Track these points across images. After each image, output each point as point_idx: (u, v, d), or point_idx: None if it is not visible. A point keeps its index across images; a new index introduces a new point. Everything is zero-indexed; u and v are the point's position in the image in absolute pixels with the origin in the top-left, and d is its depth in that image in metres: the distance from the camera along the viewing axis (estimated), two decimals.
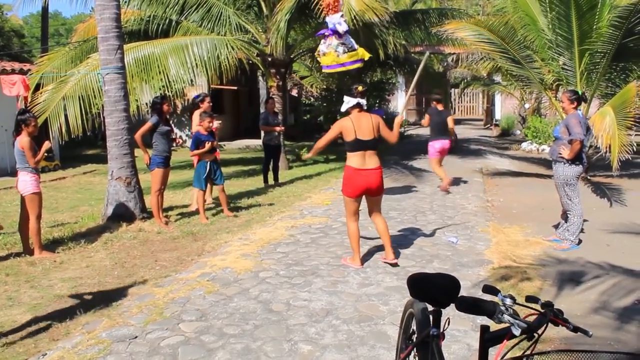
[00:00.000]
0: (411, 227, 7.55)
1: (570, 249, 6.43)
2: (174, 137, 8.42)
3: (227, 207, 8.50)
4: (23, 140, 6.27)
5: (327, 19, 8.29)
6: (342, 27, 7.92)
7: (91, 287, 5.33)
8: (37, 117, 9.50)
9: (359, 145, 5.55)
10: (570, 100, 6.43)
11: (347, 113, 5.74)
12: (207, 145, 8.05)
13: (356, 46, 8.37)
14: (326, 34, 8.25)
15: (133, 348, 3.94)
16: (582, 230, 6.68)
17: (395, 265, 5.79)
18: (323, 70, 8.63)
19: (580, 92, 6.66)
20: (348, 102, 5.67)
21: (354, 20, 10.35)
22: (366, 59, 8.53)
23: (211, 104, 9.26)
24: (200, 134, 8.14)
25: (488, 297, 1.99)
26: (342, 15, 8.31)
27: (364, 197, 5.77)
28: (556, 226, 6.99)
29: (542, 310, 1.86)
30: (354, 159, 5.60)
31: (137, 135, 7.71)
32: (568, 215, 6.58)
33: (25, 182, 6.35)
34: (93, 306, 4.82)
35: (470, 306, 1.91)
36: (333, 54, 8.06)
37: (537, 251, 6.35)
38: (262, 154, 11.80)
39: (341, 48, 7.94)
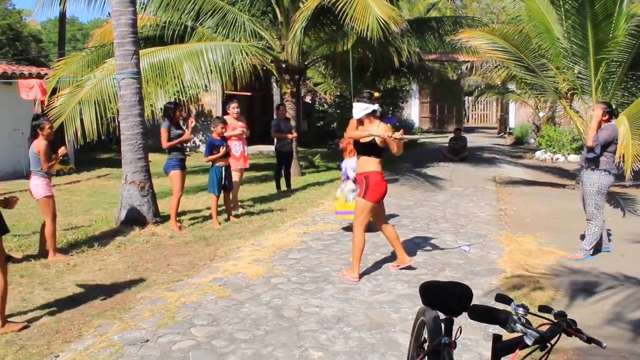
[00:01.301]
0: (423, 235, 7.53)
1: (584, 259, 6.38)
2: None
3: (231, 212, 8.61)
4: (40, 143, 6.35)
5: (343, 163, 7.80)
6: (352, 174, 7.50)
7: (104, 290, 5.36)
8: (53, 120, 9.64)
9: (383, 151, 5.58)
10: (605, 111, 6.43)
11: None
12: (222, 151, 8.10)
13: None
14: (342, 178, 7.89)
15: (144, 352, 3.95)
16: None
17: (411, 268, 5.83)
18: (336, 217, 7.98)
19: (613, 106, 6.65)
20: (366, 108, 5.53)
21: (380, 29, 10.31)
22: None
23: (237, 110, 9.48)
24: (213, 139, 8.20)
25: (501, 306, 1.99)
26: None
27: None
28: (583, 237, 6.94)
29: (555, 320, 1.85)
30: (379, 165, 5.59)
31: (165, 145, 7.92)
32: (589, 224, 6.51)
33: (37, 185, 6.44)
34: (105, 309, 4.86)
35: (483, 315, 1.91)
36: (342, 199, 7.52)
37: (550, 261, 6.30)
38: (275, 159, 11.84)
39: (351, 195, 7.39)
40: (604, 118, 6.42)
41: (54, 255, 6.47)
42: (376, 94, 5.62)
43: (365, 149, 5.58)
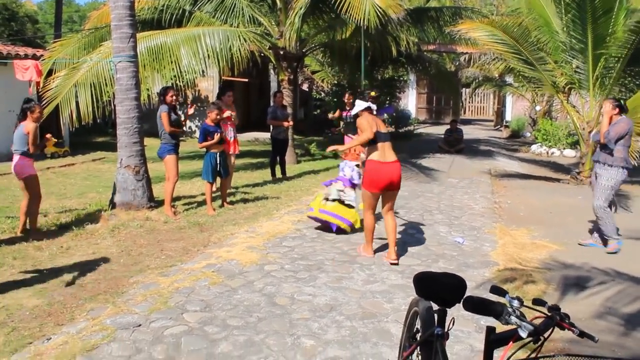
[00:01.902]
0: (418, 226, 7.54)
1: (619, 245, 6.46)
2: (182, 121, 8.51)
3: (225, 199, 8.61)
4: (30, 125, 6.51)
5: (342, 164, 7.45)
6: (349, 174, 7.30)
7: (97, 274, 5.36)
8: (49, 102, 9.60)
9: (380, 137, 5.70)
10: (614, 106, 6.56)
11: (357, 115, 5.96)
12: (216, 137, 8.07)
13: (354, 204, 7.12)
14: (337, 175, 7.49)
15: (137, 336, 3.96)
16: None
17: (395, 264, 5.81)
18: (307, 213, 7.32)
19: (621, 102, 6.72)
20: (359, 105, 5.93)
21: (379, 18, 10.27)
22: (349, 231, 7.08)
23: (231, 98, 9.70)
24: (207, 125, 8.17)
25: (495, 298, 1.99)
26: (357, 165, 7.22)
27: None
28: (592, 231, 7.01)
29: (549, 314, 1.85)
30: (375, 152, 5.68)
31: (168, 129, 7.87)
32: (603, 218, 6.55)
33: (23, 165, 6.57)
34: (98, 293, 4.85)
35: (477, 306, 1.91)
36: (320, 198, 7.15)
37: (543, 254, 6.32)
38: (270, 147, 11.81)
39: (335, 194, 7.05)
40: (615, 112, 6.48)
41: (36, 233, 6.64)
42: (372, 93, 6.05)
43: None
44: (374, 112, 6.00)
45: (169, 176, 7.93)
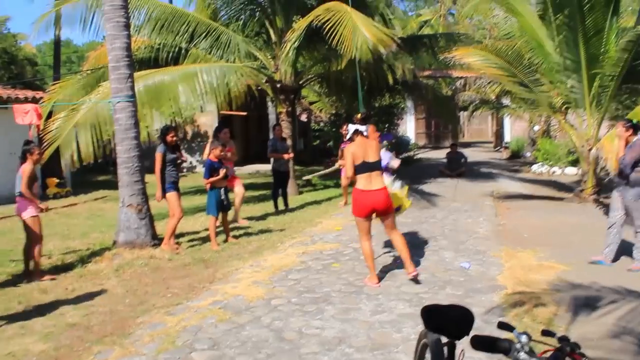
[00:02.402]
0: (423, 253, 7.51)
1: None
2: (181, 160, 8.61)
3: (229, 233, 8.66)
4: (26, 167, 6.65)
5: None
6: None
7: (103, 315, 5.32)
8: (49, 144, 9.65)
9: (365, 167, 5.92)
10: (626, 128, 6.54)
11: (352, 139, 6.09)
12: (222, 173, 8.13)
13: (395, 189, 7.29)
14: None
15: None
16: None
17: (416, 278, 5.99)
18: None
19: (634, 121, 6.68)
20: (350, 130, 6.10)
21: (370, 51, 10.38)
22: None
23: (228, 134, 9.85)
24: (212, 161, 8.21)
25: (503, 333, 1.97)
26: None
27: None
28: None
29: (559, 345, 1.83)
30: (360, 180, 5.95)
31: (157, 172, 7.90)
32: (637, 235, 6.50)
33: (19, 207, 6.66)
34: (105, 335, 4.81)
35: (486, 345, 1.89)
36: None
37: (550, 276, 6.28)
38: (272, 179, 11.83)
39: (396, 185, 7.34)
40: (629, 134, 6.45)
41: (39, 275, 6.62)
42: (357, 116, 6.17)
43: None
44: (364, 134, 6.09)
45: (173, 213, 7.96)
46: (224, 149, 8.50)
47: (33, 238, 6.67)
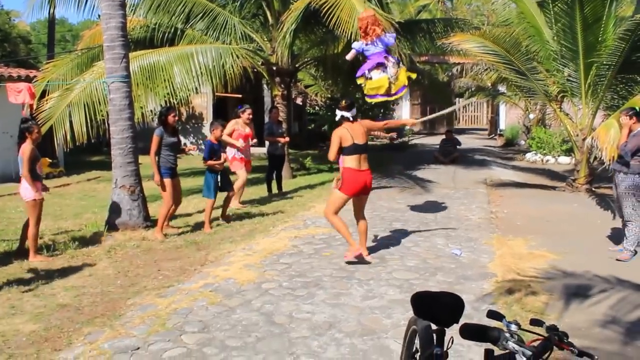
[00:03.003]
0: (415, 239, 7.52)
1: (631, 259, 6.45)
2: (182, 147, 8.50)
3: (225, 212, 8.67)
4: (25, 148, 6.46)
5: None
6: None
7: (94, 297, 5.32)
8: (42, 124, 9.57)
9: (356, 149, 6.21)
10: (629, 116, 6.56)
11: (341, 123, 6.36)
12: (223, 158, 8.29)
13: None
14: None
15: None
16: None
17: (367, 262, 6.28)
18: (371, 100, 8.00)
19: (637, 108, 6.69)
20: (337, 116, 6.40)
21: None
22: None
23: (251, 116, 10.10)
24: (212, 142, 8.20)
25: (493, 322, 1.98)
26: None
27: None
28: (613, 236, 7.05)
29: (547, 335, 1.84)
30: (352, 161, 6.22)
31: (152, 155, 7.63)
32: (628, 225, 6.55)
33: (26, 188, 6.49)
34: (95, 316, 4.81)
35: (475, 333, 1.90)
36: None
37: (541, 264, 6.31)
38: (266, 162, 11.81)
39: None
40: (632, 122, 6.48)
41: (34, 256, 6.54)
42: (342, 103, 6.35)
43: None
44: (350, 119, 6.29)
45: (164, 200, 7.84)
46: (223, 129, 8.60)
47: (31, 220, 6.60)
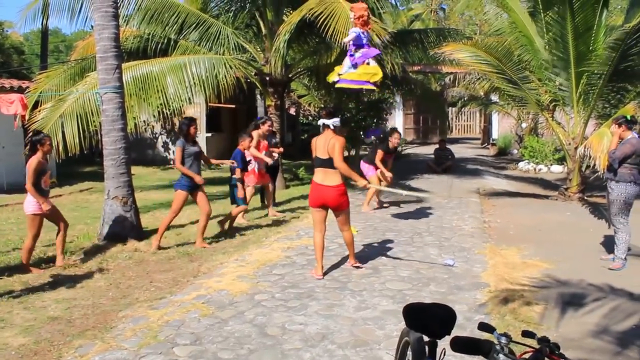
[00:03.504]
0: (408, 249, 7.51)
1: (623, 267, 6.46)
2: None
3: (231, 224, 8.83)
4: (32, 161, 6.46)
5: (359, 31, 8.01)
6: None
7: (85, 309, 5.28)
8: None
9: (316, 162, 6.21)
10: (618, 124, 6.60)
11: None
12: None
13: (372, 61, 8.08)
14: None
15: None
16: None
17: (358, 267, 6.43)
18: (338, 84, 8.19)
19: (628, 117, 6.73)
20: (321, 121, 6.27)
21: None
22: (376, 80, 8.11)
23: (272, 128, 10.39)
24: (242, 152, 8.70)
25: (484, 335, 1.97)
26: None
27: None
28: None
29: (539, 347, 1.83)
30: (316, 174, 6.23)
31: (178, 165, 7.59)
32: (618, 233, 6.58)
33: (29, 202, 6.50)
34: (86, 328, 4.78)
35: (466, 346, 1.89)
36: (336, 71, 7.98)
37: (534, 273, 6.31)
38: None
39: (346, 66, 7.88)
40: (622, 129, 6.52)
41: (27, 268, 6.53)
42: (324, 112, 6.26)
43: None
44: (330, 127, 6.15)
45: (171, 209, 7.76)
46: (251, 141, 9.16)
47: (28, 233, 6.58)
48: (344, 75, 7.95)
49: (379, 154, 9.60)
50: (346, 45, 8.16)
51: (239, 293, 5.63)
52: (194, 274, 6.42)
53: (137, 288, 5.93)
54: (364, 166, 10.37)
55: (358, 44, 7.94)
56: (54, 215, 6.82)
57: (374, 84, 8.07)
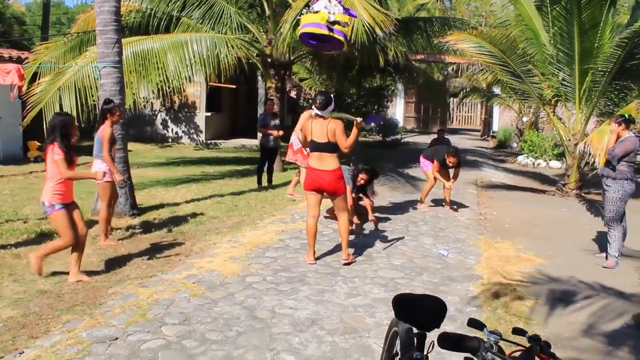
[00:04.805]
0: (402, 238, 7.48)
1: (617, 266, 6.45)
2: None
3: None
4: (104, 129, 6.58)
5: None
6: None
7: (75, 284, 5.24)
8: (33, 107, 9.45)
9: (311, 146, 6.09)
10: (618, 123, 6.58)
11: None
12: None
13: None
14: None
15: (113, 350, 3.86)
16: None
17: (347, 264, 6.10)
18: (300, 30, 7.36)
19: (626, 115, 6.70)
20: (313, 110, 6.13)
21: (365, 32, 10.23)
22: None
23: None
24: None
25: (473, 331, 1.93)
26: None
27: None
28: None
29: (529, 345, 1.80)
30: (312, 159, 6.11)
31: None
32: (610, 231, 6.56)
33: (99, 169, 6.47)
34: (75, 304, 4.75)
35: (454, 343, 1.85)
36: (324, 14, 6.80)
37: (527, 268, 6.30)
38: (258, 154, 11.74)
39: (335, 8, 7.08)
40: (621, 128, 6.50)
41: (104, 240, 6.63)
42: (317, 100, 6.03)
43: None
44: (320, 115, 6.02)
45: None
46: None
47: (102, 203, 6.69)
48: (304, 17, 7.11)
49: (435, 165, 9.34)
50: None
51: (230, 274, 5.60)
52: (186, 253, 6.40)
53: (129, 265, 5.90)
54: (422, 161, 10.05)
55: None
56: (114, 188, 6.85)
57: (344, 35, 7.09)
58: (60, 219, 5.18)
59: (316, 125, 6.01)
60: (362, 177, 7.84)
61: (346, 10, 7.05)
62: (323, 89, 21.87)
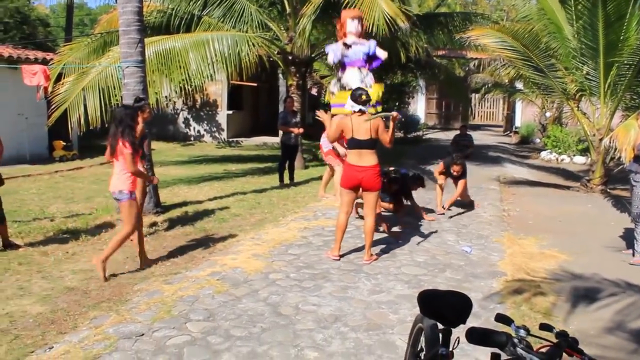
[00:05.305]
0: (425, 234, 7.46)
1: None
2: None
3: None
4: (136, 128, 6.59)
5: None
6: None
7: (101, 281, 5.32)
8: (57, 107, 9.59)
9: (351, 144, 6.05)
10: None
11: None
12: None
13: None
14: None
15: (139, 346, 3.92)
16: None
17: (367, 263, 6.03)
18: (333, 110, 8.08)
19: None
20: (352, 106, 6.12)
21: (388, 25, 10.22)
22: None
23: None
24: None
25: (500, 326, 1.93)
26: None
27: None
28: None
29: (557, 341, 1.79)
30: (350, 156, 6.08)
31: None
32: (638, 228, 6.43)
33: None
34: (102, 300, 4.83)
35: (481, 338, 1.85)
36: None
37: (551, 265, 6.23)
38: (279, 151, 11.78)
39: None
40: None
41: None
42: (363, 97, 6.04)
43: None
44: (364, 112, 6.11)
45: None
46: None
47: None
48: (334, 98, 7.85)
49: (440, 166, 9.30)
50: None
51: (253, 271, 5.64)
52: (210, 251, 6.45)
53: (153, 262, 5.97)
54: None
55: (344, 63, 7.92)
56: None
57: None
58: (133, 207, 5.58)
59: (357, 122, 5.98)
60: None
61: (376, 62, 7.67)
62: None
